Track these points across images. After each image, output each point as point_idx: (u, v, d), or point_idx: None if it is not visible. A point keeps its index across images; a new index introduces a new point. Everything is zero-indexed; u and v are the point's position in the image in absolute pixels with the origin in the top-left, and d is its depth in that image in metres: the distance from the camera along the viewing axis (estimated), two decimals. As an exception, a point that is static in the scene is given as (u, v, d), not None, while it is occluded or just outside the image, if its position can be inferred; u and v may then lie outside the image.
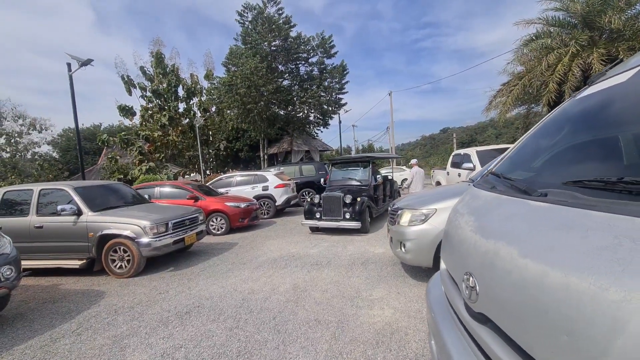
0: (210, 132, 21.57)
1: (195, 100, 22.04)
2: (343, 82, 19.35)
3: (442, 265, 1.92)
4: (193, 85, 21.90)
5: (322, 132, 21.11)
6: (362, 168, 9.13)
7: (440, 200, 3.98)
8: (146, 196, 7.07)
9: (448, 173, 9.63)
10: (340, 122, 27.69)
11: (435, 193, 4.66)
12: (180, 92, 21.59)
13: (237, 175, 11.59)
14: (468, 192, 2.11)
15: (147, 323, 3.54)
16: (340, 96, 19.68)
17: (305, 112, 19.27)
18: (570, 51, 7.86)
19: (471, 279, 1.26)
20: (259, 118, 17.50)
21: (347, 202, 7.44)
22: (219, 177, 11.85)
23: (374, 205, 8.25)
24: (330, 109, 18.82)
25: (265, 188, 10.97)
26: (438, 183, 10.52)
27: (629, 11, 7.77)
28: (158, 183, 9.26)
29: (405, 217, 4.06)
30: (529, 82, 8.71)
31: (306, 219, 7.89)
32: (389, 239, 4.72)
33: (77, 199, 5.47)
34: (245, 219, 8.69)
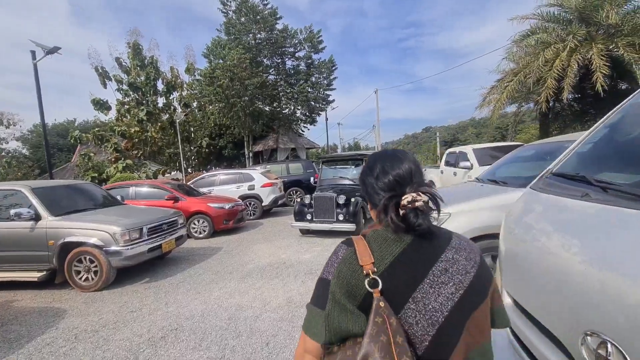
0: (192, 129, 20.63)
1: (175, 94, 21.08)
2: (331, 77, 18.85)
3: (507, 298, 1.45)
4: (173, 79, 20.90)
5: (308, 129, 20.51)
6: (354, 166, 8.67)
7: (454, 202, 3.54)
8: (119, 197, 6.37)
9: (442, 172, 9.31)
10: (327, 119, 27.23)
11: (446, 193, 4.24)
12: (160, 86, 20.60)
13: (221, 174, 10.91)
14: (528, 198, 1.67)
15: (114, 353, 2.95)
16: (328, 92, 19.18)
17: (292, 108, 18.60)
18: (568, 46, 7.67)
19: (608, 347, 0.79)
20: (243, 113, 16.71)
21: (341, 202, 6.96)
22: (201, 176, 11.15)
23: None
24: (317, 105, 18.23)
25: (251, 187, 10.36)
26: (431, 182, 10.20)
27: (626, 6, 7.66)
28: (133, 182, 8.50)
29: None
30: (525, 78, 8.48)
31: (296, 220, 7.37)
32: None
33: (35, 201, 4.75)
34: (230, 221, 8.08)
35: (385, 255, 0.77)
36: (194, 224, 7.85)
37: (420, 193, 0.77)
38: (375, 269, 0.75)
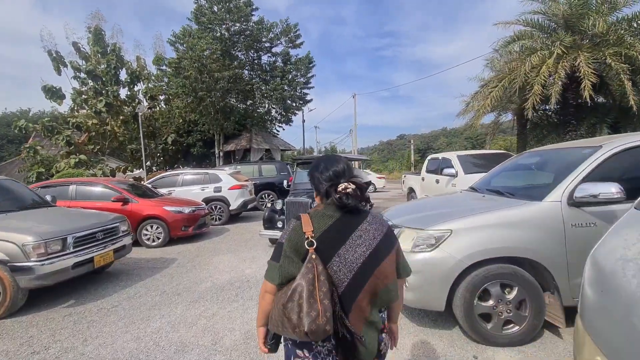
0: (157, 124, 19.12)
1: (141, 87, 19.53)
2: (309, 75, 18.05)
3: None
4: (139, 70, 19.36)
5: (283, 129, 19.58)
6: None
7: (455, 217, 2.90)
8: (48, 197, 5.24)
9: (423, 179, 8.83)
10: (304, 121, 26.49)
11: (441, 205, 3.61)
12: (124, 76, 19.00)
13: (184, 173, 9.85)
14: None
15: None
16: (306, 91, 18.40)
17: (267, 106, 17.59)
18: (555, 52, 7.46)
19: None
20: (213, 109, 15.53)
21: (316, 209, 6.23)
22: (161, 175, 10.02)
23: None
24: (294, 104, 17.34)
25: (218, 189, 9.39)
26: (411, 190, 9.72)
27: (611, 16, 7.59)
28: (75, 180, 7.32)
29: (407, 240, 2.93)
30: (510, 84, 8.20)
31: (265, 228, 6.53)
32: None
33: None
34: (189, 227, 7.10)
35: (321, 226, 1.19)
36: (147, 230, 6.80)
37: (350, 183, 1.20)
38: (313, 235, 1.17)
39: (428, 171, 8.73)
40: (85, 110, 17.82)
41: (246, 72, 16.34)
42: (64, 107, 16.93)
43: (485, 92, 9.10)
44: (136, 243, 6.77)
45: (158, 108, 19.93)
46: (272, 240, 6.66)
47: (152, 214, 6.80)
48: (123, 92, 19.26)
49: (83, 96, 17.80)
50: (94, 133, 17.39)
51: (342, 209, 1.20)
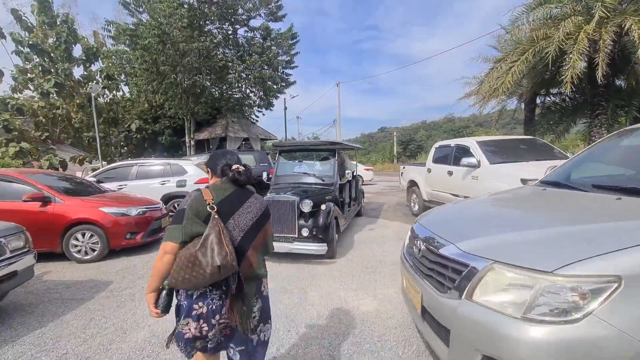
0: (118, 108, 16.85)
1: (100, 65, 17.14)
2: (292, 52, 16.06)
3: None
4: (96, 46, 16.96)
5: (263, 114, 17.58)
6: (323, 160, 6.45)
7: (608, 243, 1.43)
8: None
9: (429, 170, 7.46)
10: (285, 108, 24.76)
11: (534, 214, 2.15)
12: (79, 53, 16.57)
13: (141, 164, 8.01)
14: None
15: None
16: (288, 71, 16.52)
17: (243, 88, 15.58)
18: (596, 15, 6.20)
19: None
20: (180, 89, 13.47)
21: (305, 210, 4.70)
22: (110, 166, 8.16)
23: (342, 214, 5.65)
24: (275, 86, 15.42)
25: (182, 183, 7.66)
26: (412, 183, 8.35)
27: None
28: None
29: (511, 292, 1.46)
30: (543, 51, 6.78)
31: (238, 236, 4.98)
32: (418, 321, 2.11)
33: None
34: (137, 234, 5.40)
35: (219, 195, 1.54)
36: (76, 239, 5.05)
37: (239, 166, 1.62)
38: (213, 201, 1.49)
39: (436, 161, 7.36)
40: (30, 92, 15.38)
41: (220, 50, 14.28)
42: (4, 87, 14.30)
43: (497, 71, 7.76)
44: (64, 256, 5.05)
45: (119, 90, 17.63)
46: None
47: (84, 218, 5.05)
48: (78, 72, 16.88)
49: (28, 75, 15.32)
50: (41, 118, 15.01)
51: (235, 184, 1.61)
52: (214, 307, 1.45)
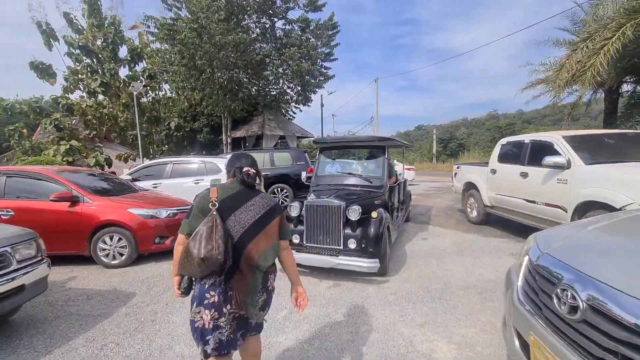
0: (160, 107, 17.16)
1: (145, 66, 17.57)
2: (332, 44, 14.73)
3: None
4: (141, 47, 17.40)
5: (301, 110, 16.89)
6: (370, 158, 5.65)
7: None
8: None
9: (494, 171, 6.36)
10: (322, 105, 24.10)
11: None
12: (125, 54, 17.08)
13: (176, 162, 7.71)
14: None
15: None
16: (327, 65, 15.21)
17: (280, 84, 15.04)
18: None
19: None
20: (217, 84, 13.21)
21: (353, 218, 3.94)
22: (146, 164, 7.95)
23: (392, 222, 4.81)
24: (313, 81, 14.73)
25: (216, 182, 7.21)
26: (470, 186, 7.27)
27: None
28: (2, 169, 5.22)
29: None
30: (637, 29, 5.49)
31: (274, 245, 4.34)
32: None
33: None
34: (167, 238, 4.97)
35: (224, 194, 1.68)
36: (105, 242, 4.70)
37: (250, 169, 1.74)
38: (217, 199, 1.63)
39: (503, 160, 6.24)
40: (80, 92, 16.05)
41: (257, 45, 13.86)
42: (52, 85, 15.02)
43: (585, 50, 6.42)
44: (91, 260, 4.73)
45: (161, 90, 17.98)
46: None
47: (112, 220, 4.68)
48: (123, 73, 17.41)
49: (78, 75, 15.99)
50: (90, 117, 15.59)
51: (242, 185, 1.74)
52: (223, 297, 1.58)
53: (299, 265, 4.33)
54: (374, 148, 5.44)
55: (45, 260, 3.06)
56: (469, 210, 7.41)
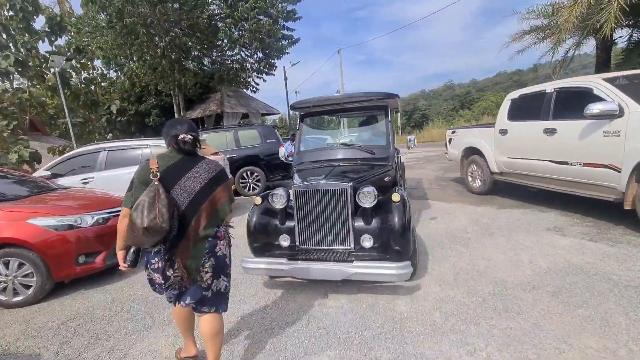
0: (95, 88, 14.56)
1: (69, 38, 14.77)
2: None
3: None
4: (63, 17, 14.50)
5: (264, 81, 14.81)
6: (368, 123, 4.42)
7: None
8: None
9: (504, 132, 5.41)
10: (286, 78, 22.24)
11: None
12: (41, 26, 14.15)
13: (111, 148, 5.97)
14: None
15: None
16: (291, 26, 12.89)
17: (237, 50, 12.83)
18: None
19: None
20: (160, 52, 11.04)
21: (367, 205, 2.74)
22: (70, 154, 6.15)
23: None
24: (275, 44, 12.66)
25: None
26: (471, 151, 6.35)
27: None
28: None
29: None
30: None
31: (256, 253, 3.03)
32: None
33: None
34: (98, 254, 3.49)
35: (165, 164, 1.69)
36: (-3, 271, 3.15)
37: (186, 136, 1.71)
38: (157, 169, 1.64)
39: (515, 118, 5.29)
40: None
41: (200, 1, 11.37)
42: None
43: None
44: (-19, 299, 3.17)
45: (94, 68, 15.31)
46: (274, 277, 3.19)
47: (7, 238, 3.12)
48: (44, 49, 14.51)
49: (-17, 53, 12.97)
50: (5, 104, 12.82)
51: (181, 153, 1.74)
52: (167, 262, 1.68)
53: (293, 279, 3.10)
54: (374, 109, 4.18)
55: None
56: (470, 179, 6.51)
